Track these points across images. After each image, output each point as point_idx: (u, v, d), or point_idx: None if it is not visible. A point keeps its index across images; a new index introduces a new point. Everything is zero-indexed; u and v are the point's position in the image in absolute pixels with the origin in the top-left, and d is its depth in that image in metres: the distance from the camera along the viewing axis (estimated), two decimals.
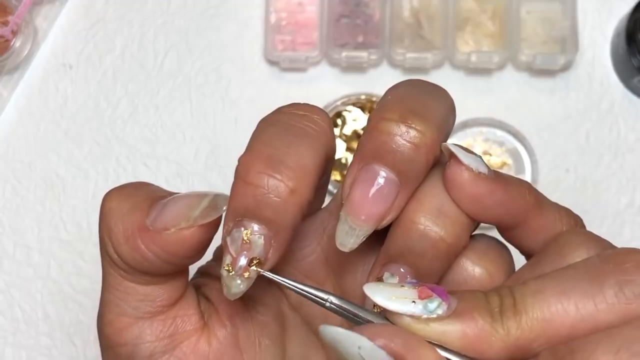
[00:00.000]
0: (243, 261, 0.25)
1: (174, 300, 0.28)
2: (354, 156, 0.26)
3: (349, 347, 0.22)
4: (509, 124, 0.51)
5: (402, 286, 0.23)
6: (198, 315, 0.28)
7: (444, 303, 0.22)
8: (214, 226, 0.26)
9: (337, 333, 0.22)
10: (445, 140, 0.26)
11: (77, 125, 0.53)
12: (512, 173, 0.51)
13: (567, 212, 0.27)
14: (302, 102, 0.27)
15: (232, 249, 0.25)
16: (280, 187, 0.24)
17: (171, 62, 0.54)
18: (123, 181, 0.52)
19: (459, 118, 0.52)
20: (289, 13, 0.53)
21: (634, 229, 0.50)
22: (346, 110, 0.52)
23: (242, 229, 0.25)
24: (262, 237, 0.25)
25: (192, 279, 0.30)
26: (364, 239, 0.26)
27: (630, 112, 0.52)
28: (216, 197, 0.26)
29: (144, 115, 0.53)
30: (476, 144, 0.51)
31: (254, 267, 0.25)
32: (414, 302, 0.22)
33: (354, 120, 0.52)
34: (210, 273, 0.30)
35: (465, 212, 0.26)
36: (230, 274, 0.25)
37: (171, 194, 0.26)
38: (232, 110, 0.53)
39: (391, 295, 0.23)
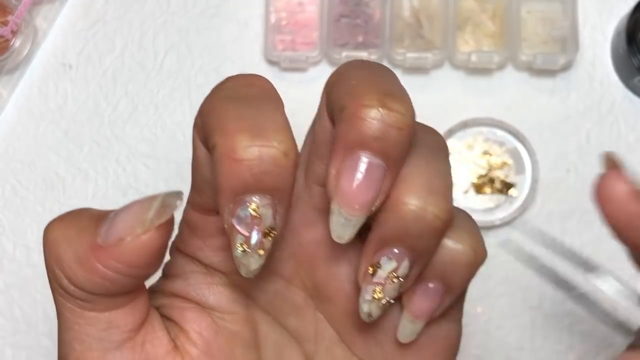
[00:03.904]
0: (257, 236, 0.25)
1: (139, 323, 0.27)
2: (335, 147, 0.25)
3: None
4: (509, 124, 0.51)
5: None
6: (167, 337, 0.27)
7: None
8: (169, 228, 0.25)
9: None
10: None
11: (77, 125, 0.53)
12: (512, 173, 0.51)
13: None
14: (234, 75, 0.27)
15: (242, 229, 0.25)
16: (273, 153, 0.24)
17: (171, 62, 0.54)
18: (123, 181, 0.53)
19: (459, 118, 0.52)
20: (289, 13, 0.53)
21: None
22: None
23: (247, 205, 0.24)
24: (269, 207, 0.25)
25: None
26: (360, 228, 0.26)
27: (631, 112, 0.52)
28: (166, 196, 0.25)
29: (144, 115, 0.53)
30: (476, 144, 0.51)
31: (268, 238, 0.25)
32: None
33: None
34: (164, 290, 0.29)
35: (615, 230, 0.25)
36: (247, 252, 0.25)
37: (115, 211, 0.25)
38: None
39: None
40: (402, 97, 0.25)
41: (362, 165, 0.25)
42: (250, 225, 0.25)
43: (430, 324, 0.28)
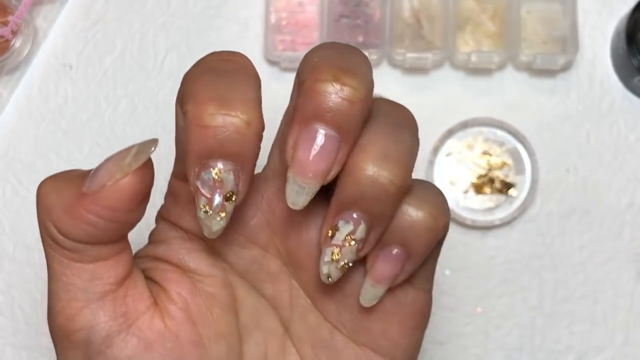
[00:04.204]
0: (218, 199, 0.27)
1: (122, 278, 0.28)
2: (293, 119, 0.27)
3: None
4: (509, 124, 0.51)
5: None
6: (148, 294, 0.29)
7: None
8: (148, 175, 0.27)
9: None
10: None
11: (77, 126, 0.53)
12: (512, 173, 0.51)
13: None
14: (218, 50, 0.29)
15: (205, 191, 0.27)
16: (236, 122, 0.26)
17: (171, 62, 0.54)
18: None
19: (459, 118, 0.52)
20: (289, 13, 0.53)
21: (634, 229, 0.50)
22: None
23: (211, 169, 0.26)
24: (231, 172, 0.27)
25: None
26: (313, 195, 0.27)
27: (630, 112, 0.52)
28: (143, 143, 0.27)
29: (144, 115, 0.53)
30: (476, 144, 0.51)
31: (229, 202, 0.27)
32: None
33: None
34: (149, 255, 0.31)
35: None
36: (209, 214, 0.27)
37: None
38: None
39: None
40: (357, 73, 0.27)
41: (317, 137, 0.27)
42: (213, 189, 0.27)
43: (396, 291, 0.30)
